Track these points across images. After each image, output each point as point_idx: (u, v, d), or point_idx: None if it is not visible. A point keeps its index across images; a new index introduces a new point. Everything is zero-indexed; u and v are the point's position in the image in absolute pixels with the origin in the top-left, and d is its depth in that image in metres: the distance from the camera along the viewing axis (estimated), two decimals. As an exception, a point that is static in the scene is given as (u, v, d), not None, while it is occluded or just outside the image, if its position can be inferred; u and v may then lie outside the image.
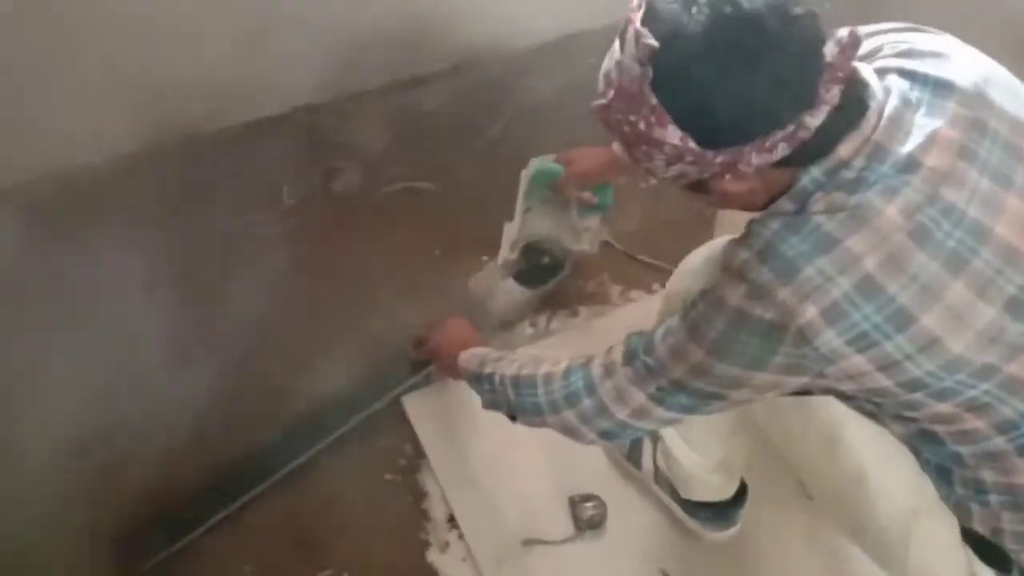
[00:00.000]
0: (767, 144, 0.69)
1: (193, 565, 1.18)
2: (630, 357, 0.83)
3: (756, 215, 0.76)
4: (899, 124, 0.71)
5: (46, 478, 1.19)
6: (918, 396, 0.73)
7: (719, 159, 0.70)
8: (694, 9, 0.67)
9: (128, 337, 1.33)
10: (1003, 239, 0.70)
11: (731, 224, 0.96)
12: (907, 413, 0.77)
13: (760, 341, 0.72)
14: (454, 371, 1.08)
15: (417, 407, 1.32)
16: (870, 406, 0.83)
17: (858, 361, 0.70)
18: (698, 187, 0.76)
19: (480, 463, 1.26)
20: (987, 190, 0.70)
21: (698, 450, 1.09)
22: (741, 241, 0.75)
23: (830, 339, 0.69)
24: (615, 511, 1.22)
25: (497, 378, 0.97)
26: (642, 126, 0.70)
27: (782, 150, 0.69)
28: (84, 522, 1.17)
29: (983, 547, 0.86)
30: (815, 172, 0.72)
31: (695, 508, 1.17)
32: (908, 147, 0.70)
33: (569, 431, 0.91)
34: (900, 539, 0.89)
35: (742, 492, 1.17)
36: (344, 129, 1.66)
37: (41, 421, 1.26)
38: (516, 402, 0.94)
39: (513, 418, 0.98)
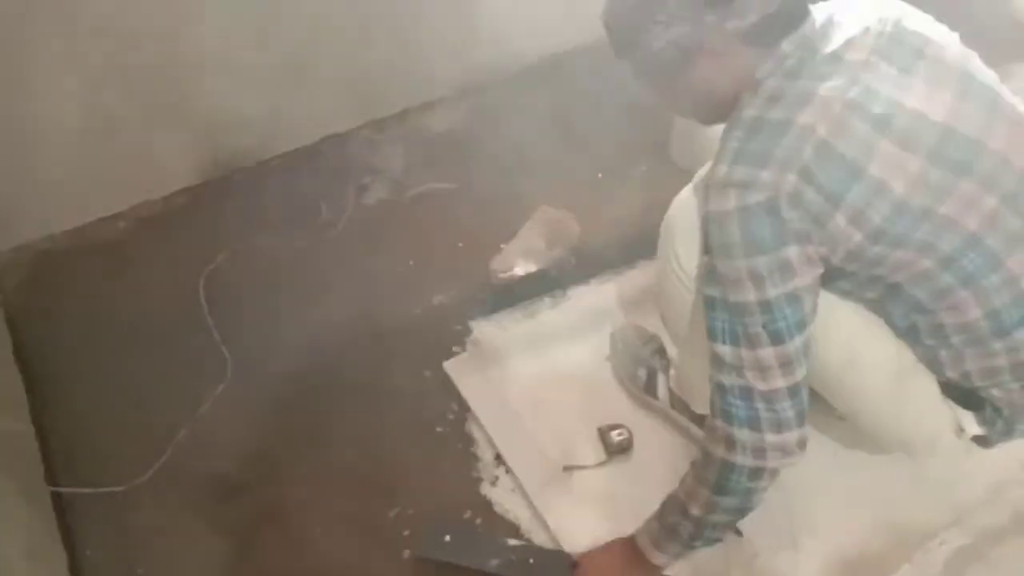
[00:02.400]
0: (741, 7, 0.87)
1: (288, 505, 1.36)
2: (732, 338, 0.92)
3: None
4: (826, 32, 0.92)
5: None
6: (880, 248, 0.89)
7: (709, 17, 0.88)
8: None
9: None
10: (913, 108, 0.88)
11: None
12: (875, 271, 0.93)
13: (769, 219, 0.85)
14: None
15: (458, 369, 1.50)
16: (845, 282, 0.97)
17: (839, 221, 0.86)
18: (683, 64, 0.93)
19: (517, 406, 1.43)
20: (896, 75, 0.90)
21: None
22: (715, 162, 0.92)
23: (812, 198, 0.86)
24: (640, 437, 1.38)
25: (687, 530, 1.04)
26: None
27: (752, 17, 0.88)
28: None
29: (959, 397, 1.01)
30: (769, 65, 0.91)
31: (710, 422, 1.33)
32: (832, 47, 0.90)
33: (788, 453, 0.95)
34: (894, 404, 1.04)
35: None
36: (369, 152, 1.89)
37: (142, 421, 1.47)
38: (717, 520, 1.03)
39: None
